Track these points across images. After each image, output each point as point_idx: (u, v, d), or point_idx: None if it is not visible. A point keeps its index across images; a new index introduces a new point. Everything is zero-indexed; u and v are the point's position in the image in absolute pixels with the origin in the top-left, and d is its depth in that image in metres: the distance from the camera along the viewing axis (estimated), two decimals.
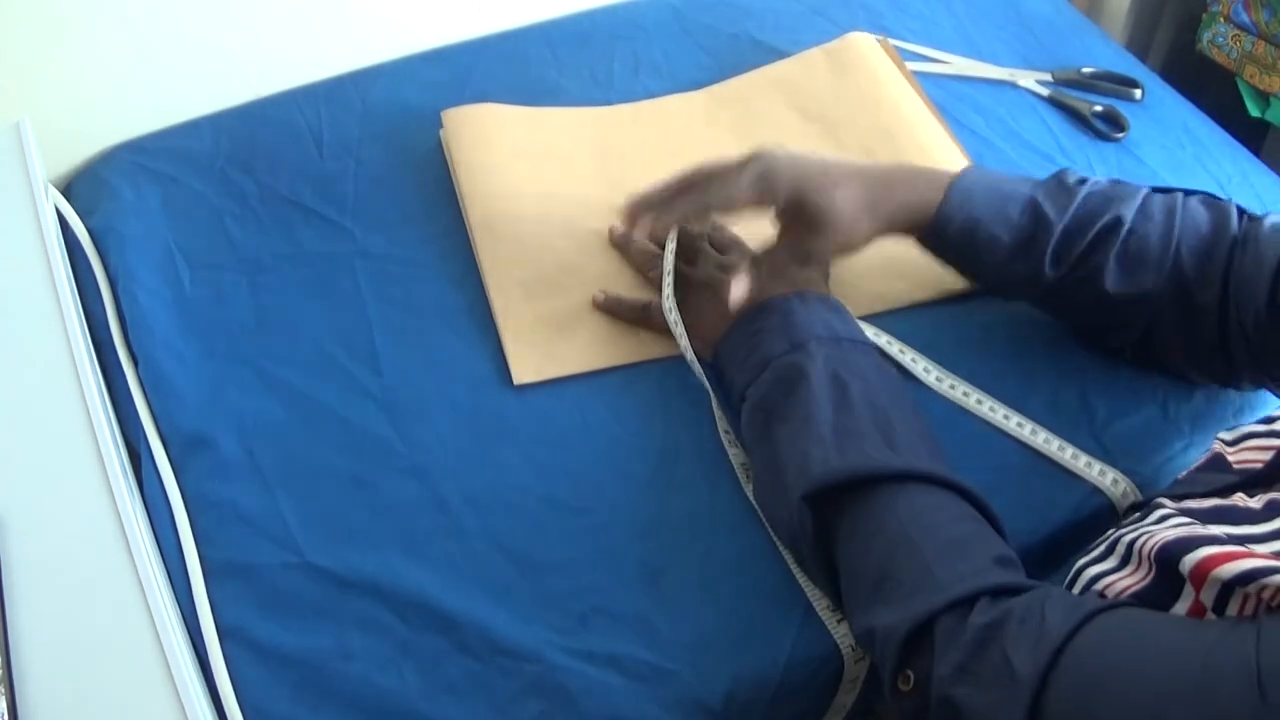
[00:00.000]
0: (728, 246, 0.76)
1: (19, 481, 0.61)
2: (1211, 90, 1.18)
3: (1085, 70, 0.96)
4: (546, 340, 0.74)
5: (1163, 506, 0.54)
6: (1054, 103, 0.94)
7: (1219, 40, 1.22)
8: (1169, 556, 0.46)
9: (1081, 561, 0.56)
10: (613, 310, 0.75)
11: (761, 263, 0.72)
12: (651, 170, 0.85)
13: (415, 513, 0.66)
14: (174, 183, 0.84)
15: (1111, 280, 0.67)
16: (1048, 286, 0.69)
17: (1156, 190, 0.69)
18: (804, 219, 0.69)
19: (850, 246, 0.71)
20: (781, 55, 0.95)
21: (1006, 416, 0.71)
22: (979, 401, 0.71)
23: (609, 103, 0.91)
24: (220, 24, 0.87)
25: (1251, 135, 1.11)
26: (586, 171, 0.85)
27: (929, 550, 0.54)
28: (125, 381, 0.71)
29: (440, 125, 0.87)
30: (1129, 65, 0.98)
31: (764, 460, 0.64)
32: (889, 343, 0.74)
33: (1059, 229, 0.67)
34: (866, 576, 0.56)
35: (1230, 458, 0.57)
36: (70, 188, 0.85)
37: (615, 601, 0.63)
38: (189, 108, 0.89)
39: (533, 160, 0.85)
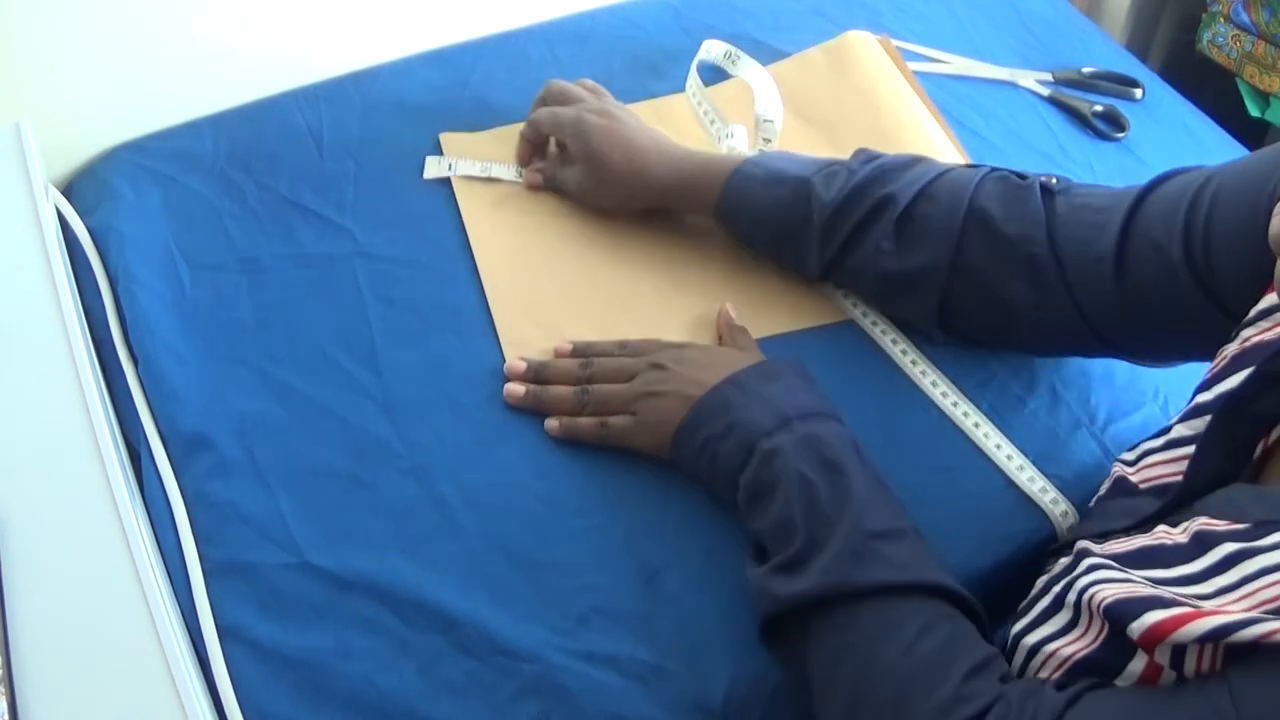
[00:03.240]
0: (647, 349, 0.71)
1: (19, 481, 0.61)
2: (1211, 90, 1.18)
3: (1085, 70, 0.96)
4: (545, 343, 0.74)
5: (1089, 554, 0.52)
6: (1054, 103, 0.94)
7: (1219, 40, 1.22)
8: (1114, 619, 0.45)
9: (1016, 629, 0.55)
10: (571, 434, 0.69)
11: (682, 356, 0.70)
12: None
13: (415, 513, 0.66)
14: (174, 183, 0.84)
15: (887, 261, 0.69)
16: (824, 267, 0.72)
17: (965, 168, 0.70)
18: (582, 159, 0.78)
19: (618, 197, 0.79)
20: (781, 55, 0.95)
21: (987, 436, 0.70)
22: (954, 404, 0.71)
23: None
24: (220, 24, 0.87)
25: (1251, 135, 1.11)
26: None
27: (900, 675, 0.52)
28: (125, 381, 0.71)
29: (440, 126, 0.87)
30: (1129, 65, 0.98)
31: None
32: (883, 331, 0.75)
33: (829, 209, 0.70)
34: (839, 699, 0.54)
35: (1133, 478, 0.57)
36: (70, 188, 0.85)
37: (615, 601, 0.63)
38: (189, 108, 0.89)
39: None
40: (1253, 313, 0.54)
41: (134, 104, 0.87)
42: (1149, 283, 0.60)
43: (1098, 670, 0.48)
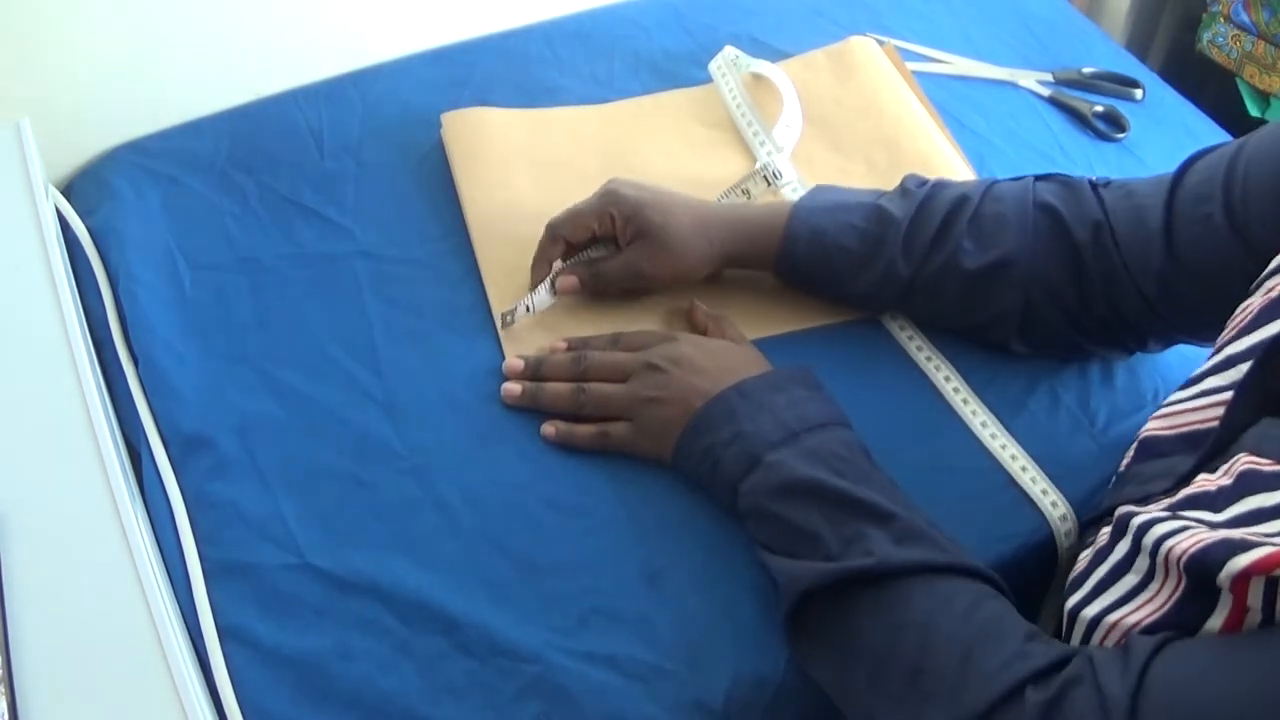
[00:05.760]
0: (642, 343, 0.71)
1: (19, 481, 0.61)
2: (1211, 90, 1.18)
3: (1085, 70, 0.96)
4: (545, 341, 0.74)
5: (1136, 515, 0.51)
6: (1054, 103, 0.94)
7: (1219, 40, 1.22)
8: (1198, 571, 0.45)
9: (1072, 604, 0.55)
10: (568, 442, 0.69)
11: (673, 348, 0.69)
12: (650, 167, 0.85)
13: (415, 513, 0.66)
14: (174, 183, 0.84)
15: (970, 259, 0.68)
16: (907, 284, 0.70)
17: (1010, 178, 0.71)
18: (641, 236, 0.72)
19: (685, 266, 0.73)
20: (782, 55, 0.95)
21: (994, 436, 0.70)
22: (965, 401, 0.72)
23: (610, 103, 0.91)
24: (220, 24, 0.87)
25: None
26: (585, 171, 0.85)
27: (963, 639, 0.52)
28: (125, 381, 0.71)
29: (440, 126, 0.87)
30: (1129, 65, 0.98)
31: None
32: (901, 327, 0.75)
33: (904, 223, 0.69)
34: (898, 669, 0.54)
35: (1161, 427, 0.57)
36: (70, 188, 0.85)
37: (615, 602, 0.63)
38: (189, 108, 0.89)
39: (531, 161, 0.85)
40: (1276, 262, 0.54)
41: (134, 104, 0.87)
42: (1197, 249, 0.62)
43: (1171, 629, 0.47)
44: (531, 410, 0.71)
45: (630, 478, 0.68)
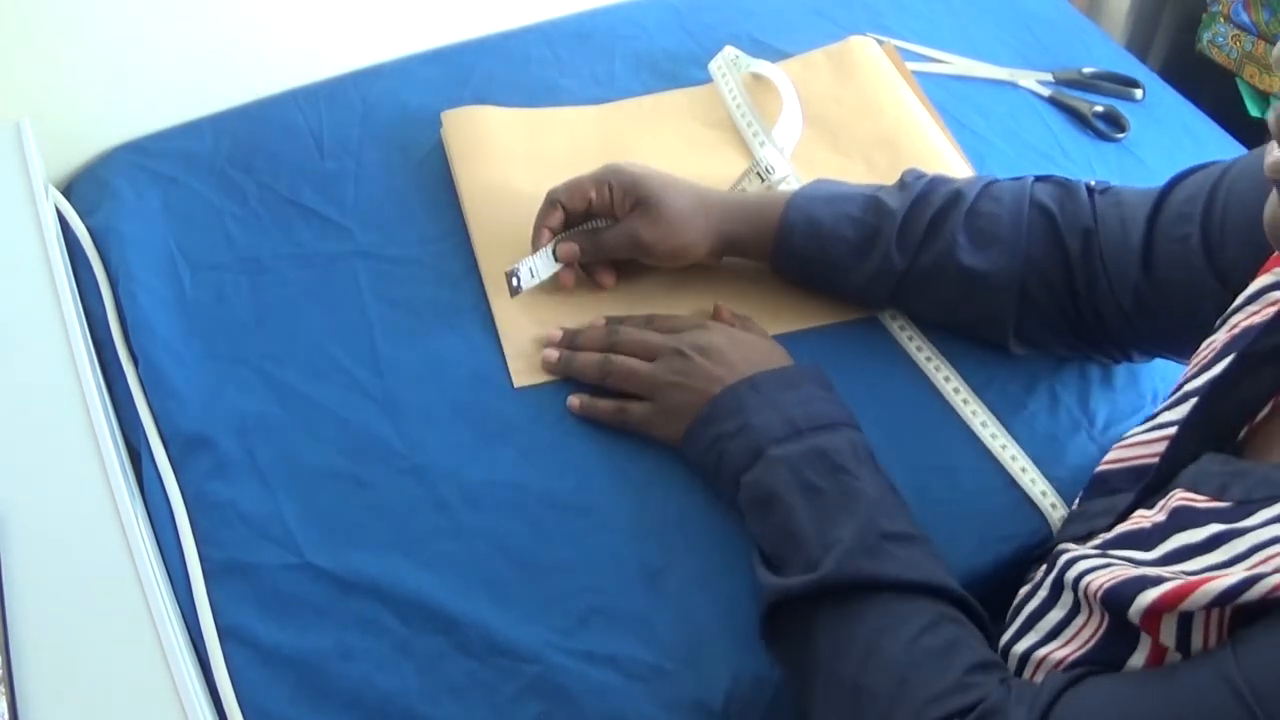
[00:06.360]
0: (674, 327, 0.72)
1: (19, 481, 0.61)
2: (1211, 90, 1.18)
3: (1085, 70, 0.96)
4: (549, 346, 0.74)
5: (1067, 551, 0.52)
6: (1054, 103, 0.94)
7: (1219, 40, 1.22)
8: (1113, 605, 0.45)
9: (1004, 641, 0.55)
10: (590, 414, 0.70)
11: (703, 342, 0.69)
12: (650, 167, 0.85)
13: (415, 513, 0.66)
14: (174, 183, 0.84)
15: (966, 255, 0.68)
16: (902, 276, 0.70)
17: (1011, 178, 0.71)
18: (640, 205, 0.72)
19: (683, 240, 0.73)
20: (782, 55, 0.95)
21: (994, 436, 0.70)
22: (965, 401, 0.72)
23: (610, 103, 0.91)
24: (220, 24, 0.87)
25: (1251, 135, 1.11)
26: (585, 171, 0.85)
27: (902, 665, 0.52)
28: (125, 381, 0.71)
29: (440, 125, 0.87)
30: (1129, 65, 0.98)
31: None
32: (901, 327, 0.75)
33: (900, 215, 0.70)
34: (843, 683, 0.54)
35: (1111, 461, 0.57)
36: (70, 188, 0.85)
37: (615, 602, 0.63)
38: (189, 108, 0.89)
39: (531, 161, 0.85)
40: (1241, 298, 0.54)
41: (134, 104, 0.87)
42: (1172, 268, 0.62)
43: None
44: (532, 410, 0.71)
45: (630, 478, 0.68)
